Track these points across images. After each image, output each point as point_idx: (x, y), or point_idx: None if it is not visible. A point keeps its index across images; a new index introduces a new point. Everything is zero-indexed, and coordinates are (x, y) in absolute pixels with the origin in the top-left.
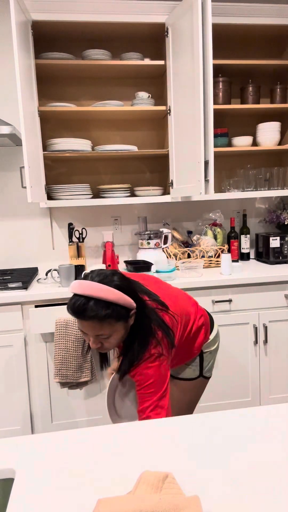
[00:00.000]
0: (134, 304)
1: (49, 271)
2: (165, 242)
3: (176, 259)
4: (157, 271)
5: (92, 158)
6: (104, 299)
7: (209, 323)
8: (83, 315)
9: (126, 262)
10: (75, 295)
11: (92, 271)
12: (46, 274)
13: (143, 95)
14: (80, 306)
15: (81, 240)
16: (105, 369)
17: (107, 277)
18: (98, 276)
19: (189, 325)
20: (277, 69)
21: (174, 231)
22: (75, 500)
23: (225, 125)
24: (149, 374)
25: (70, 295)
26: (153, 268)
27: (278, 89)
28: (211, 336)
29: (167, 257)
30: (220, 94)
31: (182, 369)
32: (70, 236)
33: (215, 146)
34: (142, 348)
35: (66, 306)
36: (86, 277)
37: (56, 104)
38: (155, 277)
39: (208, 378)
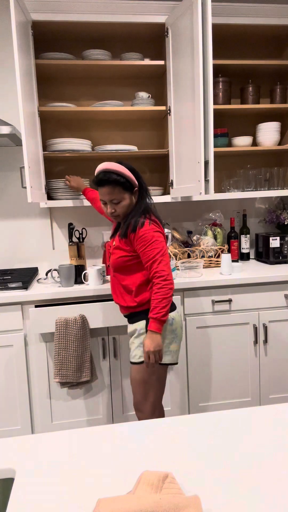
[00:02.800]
0: (137, 183)
1: (49, 271)
2: None
3: (176, 259)
4: None
5: (92, 158)
6: (118, 172)
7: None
8: (105, 181)
9: None
10: (101, 171)
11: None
12: (46, 274)
13: (143, 95)
14: (102, 175)
15: (81, 240)
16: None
17: (122, 162)
18: (116, 161)
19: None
20: (277, 69)
21: (174, 231)
22: (75, 500)
23: (225, 125)
24: (148, 234)
25: (70, 295)
26: None
27: (278, 89)
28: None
29: None
30: (220, 94)
31: (134, 348)
32: (70, 236)
33: (215, 146)
34: (137, 217)
35: (66, 305)
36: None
37: (56, 104)
38: None
39: (160, 364)
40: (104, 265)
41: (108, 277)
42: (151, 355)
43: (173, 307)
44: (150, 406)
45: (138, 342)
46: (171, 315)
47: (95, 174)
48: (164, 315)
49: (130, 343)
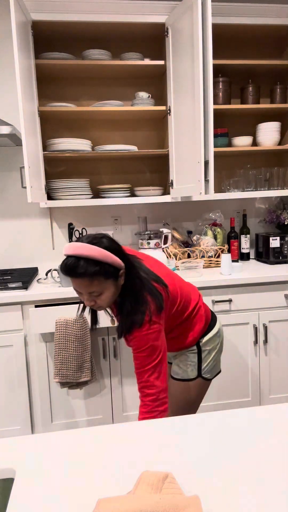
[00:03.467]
0: (123, 264)
1: (49, 271)
2: (165, 242)
3: (176, 259)
4: None
5: (92, 158)
6: (93, 258)
7: (210, 318)
8: (74, 273)
9: None
10: (67, 256)
11: (83, 236)
12: (46, 274)
13: (143, 95)
14: (71, 265)
15: (80, 236)
16: (95, 329)
17: (96, 238)
18: (88, 238)
19: (189, 307)
20: (277, 69)
21: (174, 231)
22: (75, 500)
23: (225, 125)
24: (143, 339)
25: (70, 295)
26: None
27: (278, 89)
28: (211, 333)
29: (167, 257)
30: (220, 94)
31: (181, 367)
32: (70, 236)
33: (215, 146)
34: (136, 305)
35: (66, 305)
36: (77, 240)
37: (56, 104)
38: (160, 262)
39: (208, 380)
40: None
41: None
42: None
43: (214, 320)
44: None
45: (188, 360)
46: (217, 327)
47: (64, 259)
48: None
49: (178, 360)
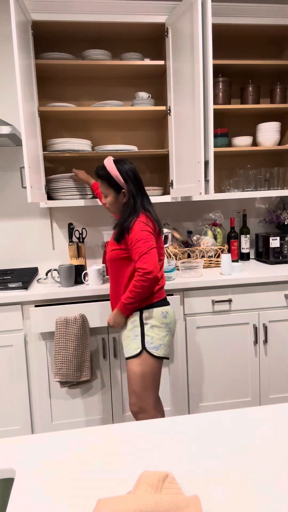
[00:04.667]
0: (125, 185)
1: (49, 271)
2: (165, 242)
3: (176, 259)
4: None
5: (92, 158)
6: (105, 168)
7: (161, 297)
8: (96, 173)
9: None
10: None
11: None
12: (46, 274)
13: (143, 95)
14: (98, 167)
15: (81, 240)
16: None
17: (120, 160)
18: (118, 159)
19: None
20: (277, 69)
21: (174, 231)
22: (75, 500)
23: (225, 125)
24: (136, 233)
25: (70, 295)
26: None
27: (278, 89)
28: (156, 310)
29: (167, 257)
30: (220, 94)
31: (128, 342)
32: (70, 236)
33: (215, 146)
34: (126, 221)
35: (66, 305)
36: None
37: (56, 104)
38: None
39: (155, 357)
40: (104, 265)
41: (108, 277)
42: (110, 327)
43: (165, 302)
44: (152, 401)
45: (133, 334)
46: (165, 309)
47: None
48: (130, 303)
49: (124, 337)
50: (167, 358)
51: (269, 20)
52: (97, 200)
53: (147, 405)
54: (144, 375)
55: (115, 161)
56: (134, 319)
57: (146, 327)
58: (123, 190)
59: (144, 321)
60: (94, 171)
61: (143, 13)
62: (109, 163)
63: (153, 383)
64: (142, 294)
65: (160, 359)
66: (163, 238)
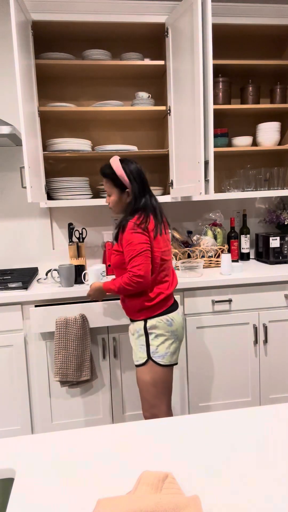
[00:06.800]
0: (129, 183)
1: (49, 271)
2: None
3: (176, 259)
4: None
5: (92, 158)
6: (110, 167)
7: (169, 305)
8: (101, 170)
9: None
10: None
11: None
12: (46, 274)
13: (143, 95)
14: (103, 165)
15: (81, 240)
16: None
17: (126, 160)
18: (125, 159)
19: (162, 278)
20: (277, 69)
21: (174, 231)
22: (75, 500)
23: (225, 125)
24: (128, 235)
25: (70, 295)
26: None
27: (278, 89)
28: (158, 319)
29: None
30: (220, 94)
31: (135, 352)
32: (70, 236)
33: (215, 146)
34: (125, 220)
35: (66, 305)
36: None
37: (56, 104)
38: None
39: (162, 365)
40: (104, 265)
41: (108, 277)
42: (91, 297)
43: (174, 307)
44: (165, 407)
45: (139, 343)
46: (170, 315)
47: None
48: (114, 291)
49: (132, 344)
50: (175, 364)
51: (269, 20)
52: (97, 200)
53: (159, 412)
54: (153, 383)
55: (121, 160)
56: (139, 328)
57: (150, 337)
58: (127, 190)
59: (149, 331)
60: (100, 170)
61: (143, 13)
62: (115, 162)
63: (163, 389)
64: (129, 292)
65: (167, 366)
66: (168, 238)
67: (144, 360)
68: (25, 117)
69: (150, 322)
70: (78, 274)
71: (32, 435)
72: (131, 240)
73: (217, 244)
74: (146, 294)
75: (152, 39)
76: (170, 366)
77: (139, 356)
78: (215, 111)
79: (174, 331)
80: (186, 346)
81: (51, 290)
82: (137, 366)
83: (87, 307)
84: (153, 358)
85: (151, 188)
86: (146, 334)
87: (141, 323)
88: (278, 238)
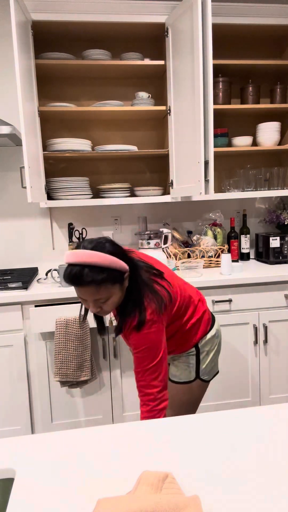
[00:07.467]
0: (127, 267)
1: (49, 271)
2: (165, 242)
3: (176, 259)
4: None
5: (92, 158)
6: (98, 265)
7: (211, 320)
8: (81, 282)
9: None
10: (69, 264)
11: (83, 240)
12: (46, 274)
13: (143, 95)
14: (76, 274)
15: (81, 240)
16: (103, 334)
17: (99, 243)
18: (90, 244)
19: (189, 310)
20: (277, 69)
21: (174, 231)
22: (75, 500)
23: (225, 125)
24: (143, 338)
25: (70, 295)
26: None
27: (278, 89)
28: (209, 335)
29: (167, 257)
30: (220, 94)
31: (179, 369)
32: (70, 236)
33: (215, 146)
34: (136, 305)
35: (66, 305)
36: (78, 247)
37: (56, 104)
38: (161, 262)
39: (207, 381)
40: None
41: None
42: None
43: (213, 321)
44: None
45: (186, 362)
46: (215, 328)
47: (67, 267)
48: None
49: (175, 362)
50: (217, 373)
51: (269, 20)
52: (97, 200)
53: None
54: (190, 403)
55: (93, 248)
56: (191, 350)
57: (202, 355)
58: (125, 275)
59: (201, 350)
60: (71, 279)
61: (143, 13)
62: (95, 255)
63: (196, 405)
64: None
65: (209, 380)
66: (164, 265)
67: (191, 379)
68: (25, 117)
69: (203, 340)
70: None
71: (32, 435)
72: (150, 345)
73: (217, 244)
74: (189, 331)
75: (152, 39)
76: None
77: (185, 375)
78: (215, 111)
79: (218, 341)
80: None
81: (51, 290)
82: (179, 383)
83: None
84: (201, 376)
85: (151, 188)
86: (198, 353)
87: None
88: (278, 238)
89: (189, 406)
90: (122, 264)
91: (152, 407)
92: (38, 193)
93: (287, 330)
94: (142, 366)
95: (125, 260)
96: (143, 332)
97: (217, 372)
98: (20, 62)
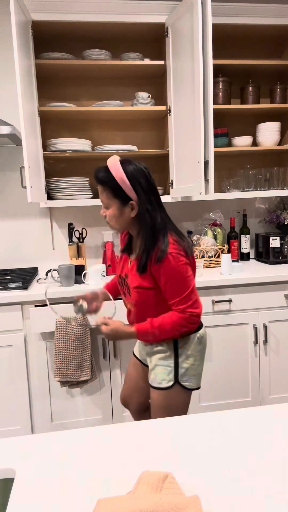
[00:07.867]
0: (135, 195)
1: (49, 271)
2: None
3: None
4: None
5: (92, 158)
6: (112, 174)
7: (199, 324)
8: (95, 176)
9: None
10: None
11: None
12: (46, 274)
13: (143, 95)
14: (98, 169)
15: (81, 240)
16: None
17: (127, 161)
18: (124, 159)
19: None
20: (277, 69)
21: None
22: (75, 500)
23: (225, 125)
24: (171, 269)
25: (70, 295)
26: None
27: (278, 89)
28: (192, 336)
29: None
30: (220, 94)
31: (158, 373)
32: (70, 236)
33: (215, 146)
34: (151, 242)
35: (66, 305)
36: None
37: (56, 104)
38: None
39: (188, 389)
40: (104, 265)
41: (108, 277)
42: (104, 334)
43: (200, 325)
44: None
45: (164, 363)
46: (200, 333)
47: None
48: (154, 335)
49: (154, 364)
50: (199, 388)
51: (269, 20)
52: (97, 200)
53: None
54: (172, 410)
55: (122, 162)
56: (169, 347)
57: (180, 358)
58: (131, 202)
59: (179, 351)
60: (94, 174)
61: (143, 13)
62: (114, 164)
63: (177, 415)
64: (177, 335)
65: (190, 390)
66: (194, 257)
67: (169, 384)
68: (25, 117)
69: (181, 342)
70: (78, 274)
71: (32, 435)
72: (178, 276)
73: (217, 244)
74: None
75: (152, 39)
76: (192, 390)
77: (162, 377)
78: (215, 111)
79: (202, 350)
80: None
81: (51, 290)
82: (159, 388)
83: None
84: (180, 381)
85: None
86: (176, 355)
87: (170, 342)
88: (278, 238)
89: (171, 413)
90: (127, 185)
91: (184, 324)
92: (38, 193)
93: (287, 330)
94: (173, 297)
95: (140, 192)
96: (175, 261)
97: (199, 387)
98: (20, 62)
